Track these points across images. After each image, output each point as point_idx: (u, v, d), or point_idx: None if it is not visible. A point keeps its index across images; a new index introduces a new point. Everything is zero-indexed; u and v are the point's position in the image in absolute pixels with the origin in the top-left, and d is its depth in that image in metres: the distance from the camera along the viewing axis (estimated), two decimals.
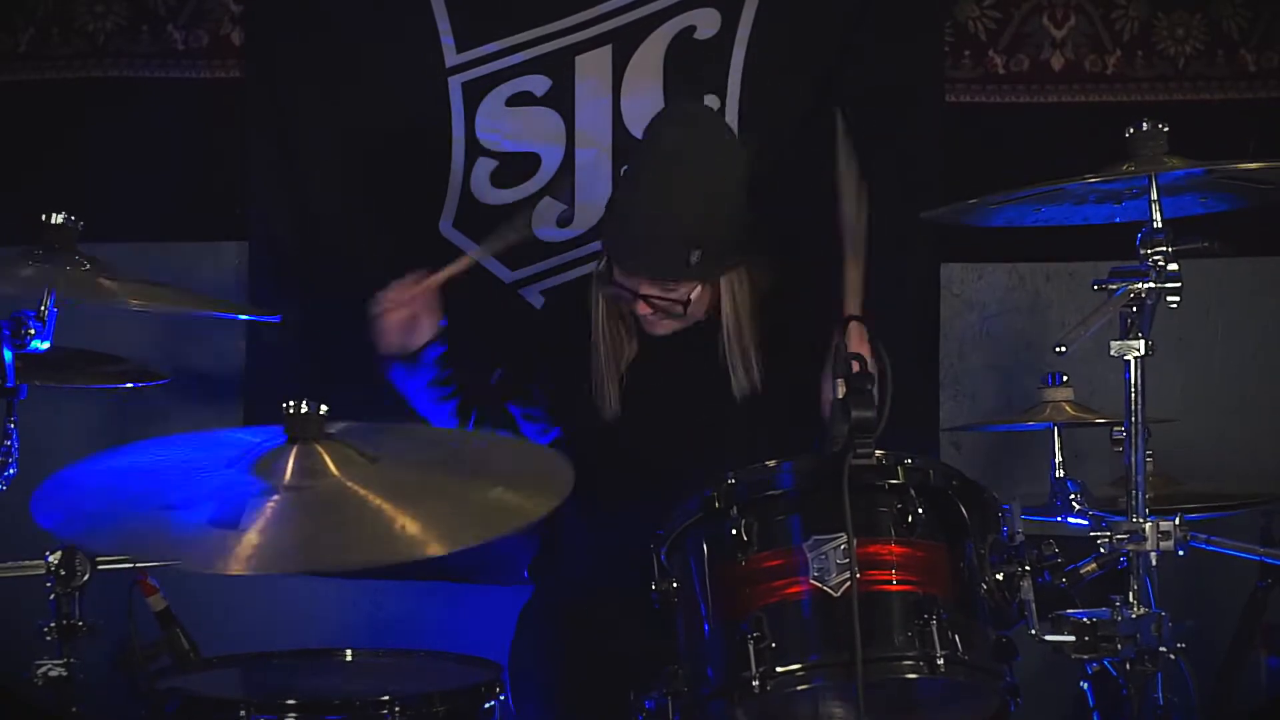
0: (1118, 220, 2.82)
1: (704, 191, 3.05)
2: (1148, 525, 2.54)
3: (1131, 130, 2.68)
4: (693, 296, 3.10)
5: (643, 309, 3.12)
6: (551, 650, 3.14)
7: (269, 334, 3.79)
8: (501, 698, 2.78)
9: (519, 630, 3.23)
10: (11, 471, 2.63)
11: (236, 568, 2.24)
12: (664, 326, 3.16)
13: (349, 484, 2.43)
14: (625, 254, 3.10)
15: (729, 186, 3.08)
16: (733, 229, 3.09)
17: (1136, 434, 2.56)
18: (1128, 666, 2.51)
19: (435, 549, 2.32)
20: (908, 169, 3.85)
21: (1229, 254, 3.52)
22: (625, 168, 3.32)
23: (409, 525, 2.35)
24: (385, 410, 3.81)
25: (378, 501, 2.40)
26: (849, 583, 2.30)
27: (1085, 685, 2.92)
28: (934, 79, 3.88)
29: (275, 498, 2.39)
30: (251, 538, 2.30)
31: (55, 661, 2.52)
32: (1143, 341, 2.55)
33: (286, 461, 2.46)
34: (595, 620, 3.08)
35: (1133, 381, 2.57)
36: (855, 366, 2.34)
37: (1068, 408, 3.26)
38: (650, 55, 3.84)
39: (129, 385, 3.32)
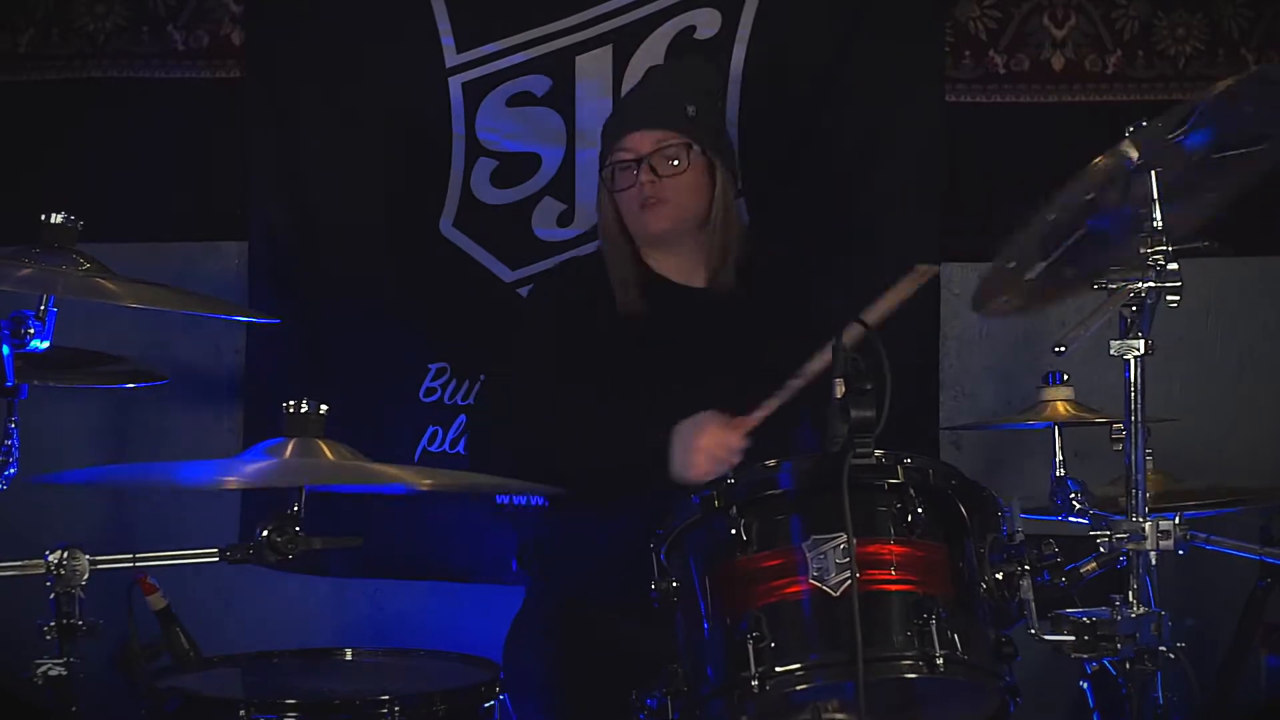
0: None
1: (694, 76, 3.38)
2: (1147, 524, 2.54)
3: (1131, 130, 2.68)
4: (684, 180, 3.22)
5: (646, 175, 3.19)
6: (546, 651, 3.13)
7: (269, 334, 3.79)
8: (502, 698, 2.78)
9: (511, 636, 3.23)
10: (11, 471, 2.63)
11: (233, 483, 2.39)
12: (661, 218, 3.22)
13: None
14: (629, 112, 3.31)
15: (715, 93, 3.43)
16: (719, 121, 3.38)
17: (1136, 433, 2.56)
18: (1127, 666, 2.50)
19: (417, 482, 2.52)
20: (908, 169, 3.85)
21: (1229, 254, 3.52)
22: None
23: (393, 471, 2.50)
24: (383, 411, 3.85)
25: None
26: (849, 582, 2.30)
27: (1085, 685, 2.92)
28: (934, 79, 3.87)
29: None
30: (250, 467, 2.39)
31: (55, 661, 2.52)
32: (1143, 341, 2.55)
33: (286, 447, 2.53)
34: (590, 617, 3.08)
35: (1133, 381, 2.56)
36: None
37: (1068, 408, 3.26)
38: (650, 55, 3.84)
39: (129, 386, 3.33)
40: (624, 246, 3.29)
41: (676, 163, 3.22)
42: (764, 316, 3.25)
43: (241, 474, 2.42)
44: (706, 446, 2.96)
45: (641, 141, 3.22)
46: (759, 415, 2.98)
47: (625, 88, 3.82)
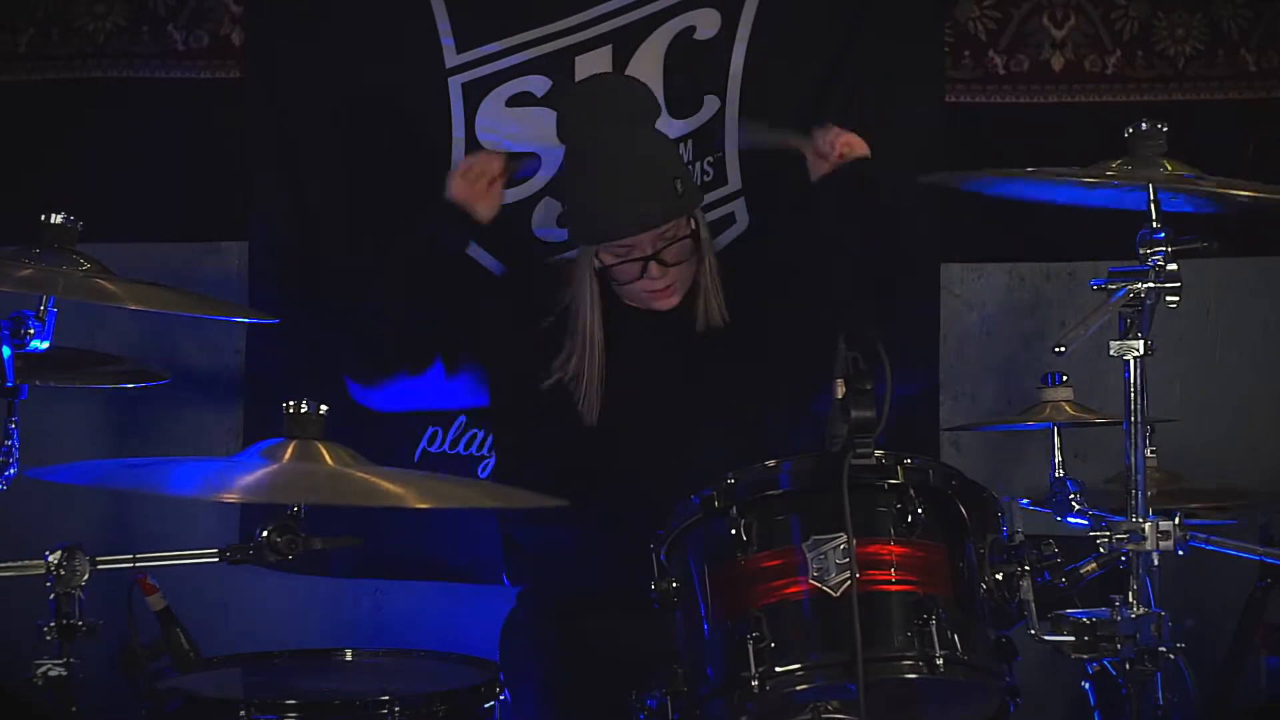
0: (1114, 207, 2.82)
1: (648, 130, 3.18)
2: (1147, 525, 2.54)
3: (1131, 130, 2.68)
4: (683, 255, 3.15)
5: (656, 270, 3.13)
6: (541, 650, 3.13)
7: (269, 334, 3.78)
8: (502, 698, 2.78)
9: (504, 635, 3.23)
10: (11, 471, 2.63)
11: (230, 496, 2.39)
12: (673, 298, 3.19)
13: (344, 469, 2.47)
14: (616, 212, 3.10)
15: (654, 115, 3.24)
16: (684, 167, 3.30)
17: (1136, 433, 2.56)
18: (1127, 666, 2.50)
19: (416, 502, 2.49)
20: (908, 169, 3.84)
21: (1228, 253, 3.52)
22: (563, 159, 3.33)
23: (393, 486, 2.46)
24: (383, 412, 3.84)
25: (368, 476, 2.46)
26: (849, 583, 2.30)
27: (1086, 685, 2.92)
28: (934, 79, 3.87)
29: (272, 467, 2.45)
30: (246, 478, 2.37)
31: (55, 661, 2.52)
32: (1143, 341, 2.55)
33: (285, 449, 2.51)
34: (584, 622, 3.08)
35: (1133, 381, 2.57)
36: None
37: (1068, 408, 3.26)
38: (650, 55, 3.83)
39: (129, 386, 3.33)
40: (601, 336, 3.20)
41: (682, 248, 3.15)
42: (755, 339, 3.24)
43: (239, 488, 2.41)
44: None
45: (642, 239, 3.12)
46: None
47: None
